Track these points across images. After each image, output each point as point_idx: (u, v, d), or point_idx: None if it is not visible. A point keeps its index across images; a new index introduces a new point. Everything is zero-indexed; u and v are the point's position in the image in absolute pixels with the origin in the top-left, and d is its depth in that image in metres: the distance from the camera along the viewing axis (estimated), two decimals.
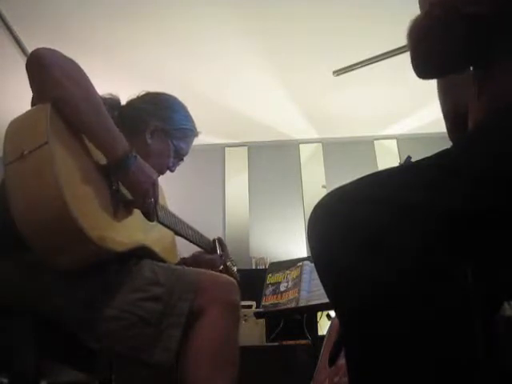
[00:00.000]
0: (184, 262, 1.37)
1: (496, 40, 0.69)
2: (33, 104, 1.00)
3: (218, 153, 4.41)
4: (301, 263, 1.87)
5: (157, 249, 1.15)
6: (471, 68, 0.79)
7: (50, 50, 0.95)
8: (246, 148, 4.46)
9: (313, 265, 1.61)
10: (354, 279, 0.62)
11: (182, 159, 1.35)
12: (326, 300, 0.73)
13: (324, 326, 2.03)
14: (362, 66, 2.60)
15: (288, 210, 4.14)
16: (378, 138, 4.40)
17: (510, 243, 0.61)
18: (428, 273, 0.59)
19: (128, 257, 1.04)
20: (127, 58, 3.26)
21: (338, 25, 3.01)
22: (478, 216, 0.60)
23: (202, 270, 1.11)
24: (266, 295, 1.89)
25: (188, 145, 1.34)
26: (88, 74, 1.00)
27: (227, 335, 1.03)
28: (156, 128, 1.26)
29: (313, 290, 1.74)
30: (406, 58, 0.79)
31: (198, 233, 1.46)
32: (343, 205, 0.68)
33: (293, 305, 1.73)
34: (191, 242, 1.42)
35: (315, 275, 1.74)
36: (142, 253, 1.09)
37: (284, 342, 2.26)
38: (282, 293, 1.83)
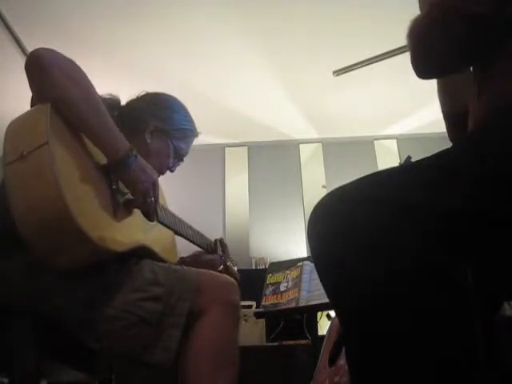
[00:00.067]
0: (183, 261, 1.37)
1: (496, 40, 0.69)
2: (32, 104, 1.00)
3: (217, 153, 4.41)
4: (301, 263, 1.87)
5: (157, 249, 1.15)
6: (471, 68, 0.79)
7: (49, 50, 0.95)
8: (245, 148, 4.46)
9: (313, 265, 1.61)
10: (353, 279, 0.62)
11: (182, 159, 1.35)
12: (326, 300, 0.73)
13: (324, 326, 2.03)
14: (361, 66, 2.60)
15: (288, 210, 4.14)
16: (378, 138, 4.40)
17: (510, 243, 0.61)
18: (428, 273, 0.59)
19: (128, 257, 1.04)
20: (127, 58, 3.26)
21: (337, 25, 3.01)
22: (478, 216, 0.60)
23: (202, 270, 1.11)
24: (266, 295, 1.89)
25: (188, 145, 1.34)
26: (88, 74, 1.00)
27: (227, 335, 1.03)
28: (156, 128, 1.26)
29: (313, 290, 1.74)
30: (405, 58, 0.79)
31: (198, 233, 1.46)
32: (343, 205, 0.68)
33: (293, 305, 1.73)
34: (191, 241, 1.42)
35: (315, 275, 1.74)
36: (142, 253, 1.09)
37: (284, 342, 2.26)
38: (281, 293, 1.83)
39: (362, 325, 0.62)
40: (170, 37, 3.09)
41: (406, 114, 4.02)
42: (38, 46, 0.95)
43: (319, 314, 2.06)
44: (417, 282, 0.59)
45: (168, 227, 1.27)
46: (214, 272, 1.17)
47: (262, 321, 2.29)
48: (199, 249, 1.48)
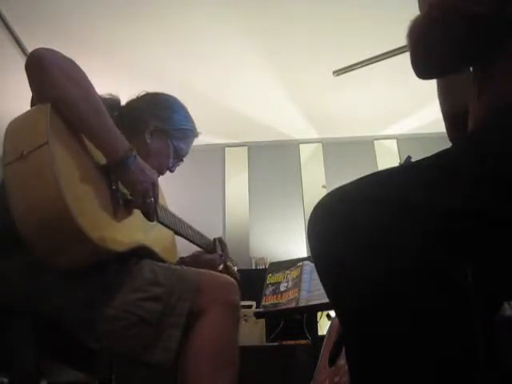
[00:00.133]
0: (183, 261, 1.37)
1: (496, 40, 0.69)
2: (32, 104, 1.00)
3: (217, 153, 4.41)
4: (301, 263, 1.87)
5: (157, 249, 1.15)
6: (471, 68, 0.79)
7: (49, 50, 0.95)
8: (245, 148, 4.46)
9: (313, 265, 1.61)
10: (354, 279, 0.62)
11: (182, 159, 1.35)
12: (326, 300, 0.73)
13: (324, 326, 2.03)
14: (361, 66, 2.60)
15: (288, 210, 4.14)
16: (378, 138, 4.40)
17: (509, 243, 0.61)
18: (428, 273, 0.59)
19: (128, 257, 1.04)
20: (127, 58, 3.26)
21: (337, 25, 3.01)
22: (478, 216, 0.60)
23: (202, 270, 1.11)
24: (266, 295, 1.89)
25: (188, 145, 1.34)
26: (88, 74, 1.00)
27: (227, 335, 1.03)
28: (156, 128, 1.26)
29: (313, 290, 1.74)
30: (405, 58, 0.79)
31: (198, 233, 1.46)
32: (343, 205, 0.68)
33: (293, 305, 1.73)
34: (191, 241, 1.42)
35: (315, 275, 1.74)
36: (142, 253, 1.09)
37: (284, 342, 2.26)
38: (282, 293, 1.83)
39: (362, 325, 0.62)
40: (170, 37, 3.09)
41: (406, 114, 4.03)
42: (37, 46, 0.95)
43: (319, 314, 2.06)
44: (417, 281, 0.59)
45: (168, 227, 1.27)
46: (213, 272, 1.17)
47: (262, 321, 2.29)
48: (199, 249, 1.48)
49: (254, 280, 2.06)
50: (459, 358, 0.57)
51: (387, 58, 2.39)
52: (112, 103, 1.25)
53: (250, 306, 2.38)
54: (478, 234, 0.61)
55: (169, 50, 3.21)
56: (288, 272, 1.89)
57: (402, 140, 4.33)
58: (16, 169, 0.88)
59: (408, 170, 0.72)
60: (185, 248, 1.46)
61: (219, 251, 1.48)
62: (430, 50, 0.73)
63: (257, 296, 2.05)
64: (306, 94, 3.71)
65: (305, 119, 4.08)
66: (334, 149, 4.36)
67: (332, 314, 1.84)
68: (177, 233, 1.34)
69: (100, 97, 1.02)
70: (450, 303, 0.58)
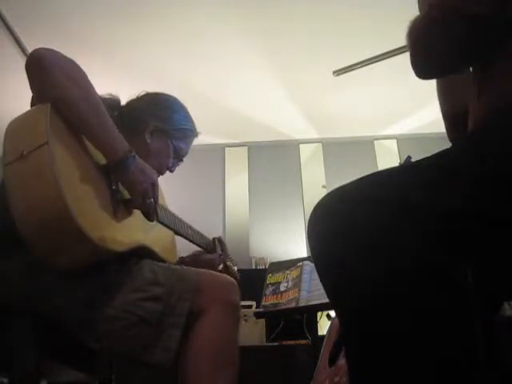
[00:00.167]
0: (183, 261, 1.37)
1: (496, 40, 0.69)
2: (32, 104, 1.00)
3: (217, 153, 4.41)
4: (301, 263, 1.87)
5: (157, 249, 1.16)
6: (471, 68, 0.79)
7: (49, 50, 0.95)
8: (245, 148, 4.45)
9: (313, 265, 1.61)
10: (354, 279, 0.62)
11: (182, 159, 1.35)
12: (326, 300, 0.73)
13: (324, 326, 2.03)
14: (361, 66, 2.60)
15: (288, 210, 4.14)
16: (378, 138, 4.40)
17: (510, 243, 0.61)
18: (428, 273, 0.59)
19: (128, 257, 1.04)
20: (127, 58, 3.26)
21: (337, 25, 3.01)
22: (478, 216, 0.60)
23: (202, 270, 1.11)
24: (266, 295, 1.89)
25: (188, 145, 1.34)
26: (88, 74, 1.00)
27: (227, 335, 1.03)
28: (155, 128, 1.26)
29: (313, 290, 1.74)
30: (405, 58, 0.79)
31: (197, 232, 1.46)
32: (343, 205, 0.68)
33: (293, 305, 1.73)
34: (191, 241, 1.42)
35: (315, 275, 1.74)
36: (142, 253, 1.09)
37: (284, 342, 2.26)
38: (282, 293, 1.83)
39: (362, 325, 0.62)
40: (170, 37, 3.09)
41: (406, 114, 4.02)
42: (38, 46, 0.95)
43: (319, 314, 2.06)
44: (417, 281, 0.59)
45: (168, 227, 1.28)
46: (213, 272, 1.17)
47: (262, 321, 2.29)
48: (199, 248, 1.48)
49: (254, 280, 2.06)
50: (459, 357, 0.57)
51: (387, 57, 2.39)
52: (112, 103, 1.25)
53: (250, 306, 2.38)
54: (477, 234, 0.61)
55: (169, 50, 3.21)
56: (288, 272, 1.89)
57: (401, 140, 4.33)
58: (16, 169, 0.88)
59: (408, 169, 0.72)
60: (185, 248, 1.46)
61: (219, 251, 1.48)
62: (429, 50, 0.73)
63: (257, 296, 2.05)
64: (306, 94, 3.71)
65: (305, 119, 4.08)
66: (333, 149, 4.36)
67: (332, 314, 1.84)
68: (177, 233, 1.34)
69: (100, 97, 1.02)
70: (450, 303, 0.58)
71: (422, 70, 0.77)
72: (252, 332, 2.23)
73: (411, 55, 0.75)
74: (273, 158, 4.37)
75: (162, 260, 1.16)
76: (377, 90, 3.61)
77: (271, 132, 4.21)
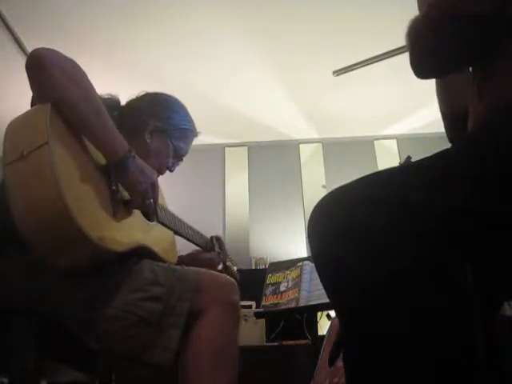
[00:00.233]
0: (182, 260, 1.37)
1: (496, 40, 0.69)
2: (32, 104, 1.00)
3: (217, 153, 4.41)
4: (301, 263, 1.87)
5: (156, 248, 1.16)
6: (471, 68, 0.79)
7: (49, 50, 0.95)
8: (245, 148, 4.45)
9: (313, 265, 1.61)
10: (353, 279, 0.62)
11: (182, 159, 1.36)
12: (326, 300, 0.73)
13: (324, 326, 2.03)
14: (361, 66, 2.60)
15: (288, 210, 4.14)
16: (378, 138, 4.40)
17: (509, 243, 0.61)
18: (428, 273, 0.59)
19: (128, 257, 1.04)
20: (127, 58, 3.26)
21: (337, 25, 3.01)
22: (478, 216, 0.60)
23: (202, 270, 1.11)
24: (266, 295, 1.89)
25: (187, 145, 1.34)
26: (88, 74, 1.00)
27: (227, 335, 1.03)
28: (155, 128, 1.26)
29: (313, 290, 1.74)
30: (406, 58, 0.78)
31: (197, 232, 1.46)
32: (343, 205, 0.68)
33: (293, 305, 1.73)
34: (191, 241, 1.43)
35: (315, 275, 1.74)
36: (142, 253, 1.09)
37: (284, 342, 2.26)
38: (282, 293, 1.83)
39: (361, 325, 0.62)
40: (170, 37, 3.09)
41: (405, 114, 4.02)
42: (37, 46, 0.95)
43: (319, 314, 2.06)
44: (417, 281, 0.59)
45: (168, 227, 1.28)
46: (213, 272, 1.17)
47: (262, 321, 2.29)
48: (198, 247, 1.48)
49: (254, 280, 2.07)
50: (459, 357, 0.57)
51: (387, 57, 2.38)
52: (112, 103, 1.25)
53: (250, 306, 2.38)
54: (478, 234, 0.61)
55: (169, 50, 3.21)
56: (288, 272, 1.89)
57: (401, 140, 4.33)
58: (16, 169, 0.88)
59: (408, 169, 0.72)
60: (184, 248, 1.46)
61: (217, 249, 1.48)
62: (428, 50, 0.73)
63: (257, 296, 2.05)
64: (306, 94, 3.71)
65: (305, 119, 4.08)
66: (333, 149, 4.36)
67: (332, 314, 1.84)
68: (176, 233, 1.34)
69: (100, 97, 1.02)
70: (450, 303, 0.58)
71: (421, 69, 0.77)
72: (252, 332, 2.23)
73: (410, 55, 0.75)
74: (273, 158, 4.37)
75: (162, 260, 1.16)
76: (377, 89, 3.61)
77: (271, 132, 4.21)
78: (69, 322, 0.98)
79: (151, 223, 1.21)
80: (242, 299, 1.14)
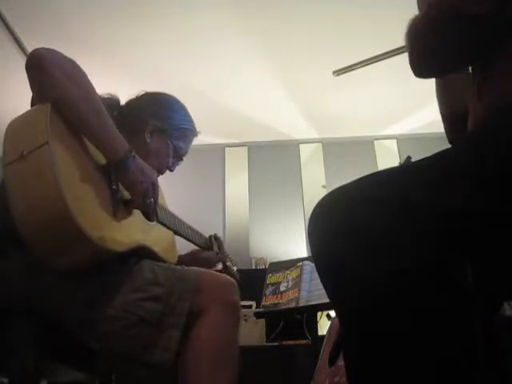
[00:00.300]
0: (181, 259, 1.37)
1: (496, 40, 0.69)
2: (32, 104, 1.00)
3: (217, 153, 4.41)
4: (301, 263, 1.87)
5: (156, 248, 1.16)
6: (471, 68, 0.79)
7: (49, 50, 0.95)
8: (245, 148, 4.46)
9: (313, 265, 1.61)
10: (353, 279, 0.62)
11: (182, 159, 1.36)
12: (326, 300, 0.73)
13: (324, 326, 2.04)
14: (361, 66, 2.60)
15: (288, 210, 4.14)
16: (378, 138, 4.40)
17: (509, 243, 0.61)
18: (428, 273, 0.59)
19: (128, 257, 1.04)
20: (127, 58, 3.26)
21: (337, 25, 3.01)
22: (478, 216, 0.60)
23: (202, 270, 1.11)
24: (266, 295, 1.89)
25: (187, 144, 1.34)
26: (88, 74, 1.00)
27: (227, 335, 1.03)
28: (155, 128, 1.26)
29: (313, 290, 1.74)
30: (405, 58, 0.78)
31: (197, 232, 1.46)
32: (343, 205, 0.68)
33: (293, 305, 1.73)
34: (190, 241, 1.43)
35: (315, 275, 1.74)
36: (142, 253, 1.09)
37: (284, 342, 2.26)
38: (282, 293, 1.83)
39: (361, 325, 0.62)
40: (170, 37, 3.09)
41: (406, 114, 4.02)
42: (37, 46, 0.95)
43: (319, 314, 2.06)
44: (417, 282, 0.59)
45: (168, 227, 1.28)
46: (213, 272, 1.17)
47: (262, 321, 2.29)
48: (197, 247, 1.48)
49: (254, 280, 2.07)
50: (459, 357, 0.57)
51: (387, 57, 2.38)
52: (111, 103, 1.25)
53: (250, 306, 2.38)
54: (478, 234, 0.61)
55: (169, 50, 3.21)
56: (288, 272, 1.89)
57: (401, 140, 4.33)
58: (16, 169, 0.88)
59: (408, 169, 0.72)
60: (184, 247, 1.46)
61: (215, 249, 1.48)
62: (428, 50, 0.73)
63: (257, 296, 2.05)
64: (306, 94, 3.71)
65: (305, 119, 4.08)
66: (333, 149, 4.36)
67: (332, 314, 1.84)
68: (176, 233, 1.34)
69: (99, 97, 1.02)
70: (450, 303, 0.58)
71: (421, 69, 0.77)
72: (252, 332, 2.23)
73: (410, 55, 0.75)
74: (273, 158, 4.37)
75: (162, 260, 1.16)
76: (377, 89, 3.61)
77: (271, 132, 4.21)
78: (69, 322, 0.98)
79: (151, 223, 1.21)
80: (242, 299, 1.14)
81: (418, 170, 0.68)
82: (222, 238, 1.56)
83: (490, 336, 0.60)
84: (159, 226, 1.24)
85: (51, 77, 0.93)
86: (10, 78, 3.21)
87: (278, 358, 2.14)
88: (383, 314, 0.60)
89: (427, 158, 0.68)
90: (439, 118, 0.97)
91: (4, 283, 0.96)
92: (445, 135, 0.96)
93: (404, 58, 0.81)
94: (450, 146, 0.73)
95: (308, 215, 0.72)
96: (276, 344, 2.28)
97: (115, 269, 1.01)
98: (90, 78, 1.00)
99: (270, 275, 1.96)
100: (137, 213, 1.12)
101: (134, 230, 1.10)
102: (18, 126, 0.95)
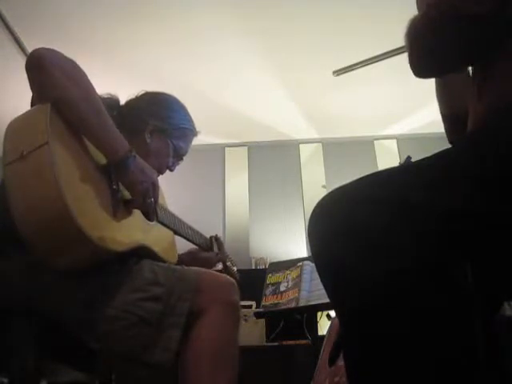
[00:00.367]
0: (181, 259, 1.37)
1: (496, 40, 0.69)
2: (32, 104, 1.00)
3: (217, 153, 4.41)
4: (301, 263, 1.87)
5: (156, 248, 1.16)
6: (471, 68, 0.79)
7: (49, 50, 0.95)
8: (246, 148, 4.46)
9: (313, 265, 1.62)
10: (353, 279, 0.62)
11: (182, 159, 1.36)
12: (326, 300, 0.73)
13: (324, 326, 2.04)
14: (361, 66, 2.60)
15: (288, 209, 4.14)
16: (378, 138, 4.40)
17: (509, 243, 0.61)
18: (428, 273, 0.59)
19: (128, 257, 1.04)
20: (127, 58, 3.26)
21: (337, 25, 3.01)
22: (478, 216, 0.60)
23: (202, 270, 1.11)
24: (266, 295, 1.89)
25: (187, 144, 1.34)
26: (88, 74, 1.00)
27: (227, 335, 1.03)
28: (155, 128, 1.26)
29: (313, 290, 1.74)
30: (406, 58, 0.78)
31: (197, 232, 1.46)
32: (343, 205, 0.68)
33: (293, 305, 1.73)
34: (190, 241, 1.43)
35: (315, 275, 1.74)
36: (142, 253, 1.09)
37: (284, 342, 2.26)
38: (282, 293, 1.83)
39: (361, 325, 0.62)
40: (170, 37, 3.09)
41: (405, 114, 4.02)
42: (37, 46, 0.95)
43: (319, 313, 2.06)
44: (417, 282, 0.59)
45: (168, 227, 1.28)
46: (213, 272, 1.17)
47: (262, 321, 2.29)
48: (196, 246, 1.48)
49: (254, 280, 2.07)
50: (459, 357, 0.57)
51: (387, 57, 2.38)
52: (111, 103, 1.25)
53: (250, 306, 2.38)
54: (478, 234, 0.61)
55: (169, 50, 3.21)
56: (288, 272, 1.89)
57: (402, 140, 4.33)
58: (16, 169, 0.88)
59: (408, 169, 0.72)
60: (184, 247, 1.46)
61: (216, 249, 1.48)
62: (427, 50, 0.73)
63: (257, 296, 2.05)
64: (306, 94, 3.71)
65: (305, 119, 4.08)
66: (333, 149, 4.36)
67: (332, 313, 1.84)
68: (176, 233, 1.34)
69: (99, 97, 1.02)
70: (450, 303, 0.58)
71: (420, 69, 0.77)
72: (252, 332, 2.23)
73: (409, 55, 0.75)
74: (273, 158, 4.37)
75: (162, 260, 1.16)
76: (377, 89, 3.61)
77: (271, 132, 4.21)
78: (69, 321, 0.98)
79: (151, 223, 1.21)
80: (242, 299, 1.14)
81: (418, 170, 0.68)
82: (222, 238, 1.56)
83: (490, 336, 0.60)
84: (159, 225, 1.24)
85: (51, 77, 0.93)
86: (10, 77, 3.21)
87: (278, 358, 2.14)
88: (383, 314, 0.60)
89: (427, 158, 0.68)
90: (439, 117, 0.97)
91: (4, 283, 0.96)
92: (445, 135, 0.96)
93: (404, 58, 0.81)
94: (450, 145, 0.73)
95: (308, 215, 0.72)
96: (276, 344, 2.28)
97: (115, 269, 1.01)
98: (90, 77, 1.00)
99: (269, 275, 1.96)
100: (137, 213, 1.12)
101: (134, 230, 1.10)
102: (18, 126, 0.95)
